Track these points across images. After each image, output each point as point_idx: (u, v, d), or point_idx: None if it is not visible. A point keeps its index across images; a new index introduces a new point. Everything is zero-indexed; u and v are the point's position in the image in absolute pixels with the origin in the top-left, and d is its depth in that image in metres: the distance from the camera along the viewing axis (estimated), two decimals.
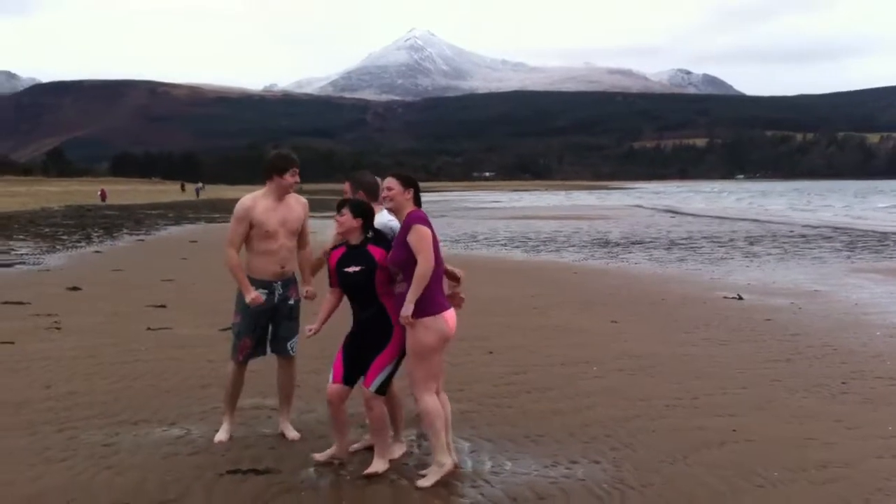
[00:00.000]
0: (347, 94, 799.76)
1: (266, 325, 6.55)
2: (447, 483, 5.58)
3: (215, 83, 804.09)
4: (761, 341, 10.89)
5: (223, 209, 61.30)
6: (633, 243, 29.84)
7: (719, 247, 28.06)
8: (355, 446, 6.26)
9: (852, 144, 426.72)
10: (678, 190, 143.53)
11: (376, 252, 5.78)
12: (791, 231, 36.99)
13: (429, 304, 5.59)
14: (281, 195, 6.54)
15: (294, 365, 6.70)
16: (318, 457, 5.97)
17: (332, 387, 5.87)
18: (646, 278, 18.68)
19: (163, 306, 13.44)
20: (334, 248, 5.99)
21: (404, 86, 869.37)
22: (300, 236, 6.63)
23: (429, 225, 5.66)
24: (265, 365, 7.26)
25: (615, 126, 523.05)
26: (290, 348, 6.61)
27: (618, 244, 29.45)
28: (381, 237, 5.92)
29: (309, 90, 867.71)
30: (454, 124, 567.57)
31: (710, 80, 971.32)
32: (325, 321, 6.08)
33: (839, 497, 5.40)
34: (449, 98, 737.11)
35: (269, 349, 6.65)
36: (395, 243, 5.69)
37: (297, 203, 6.58)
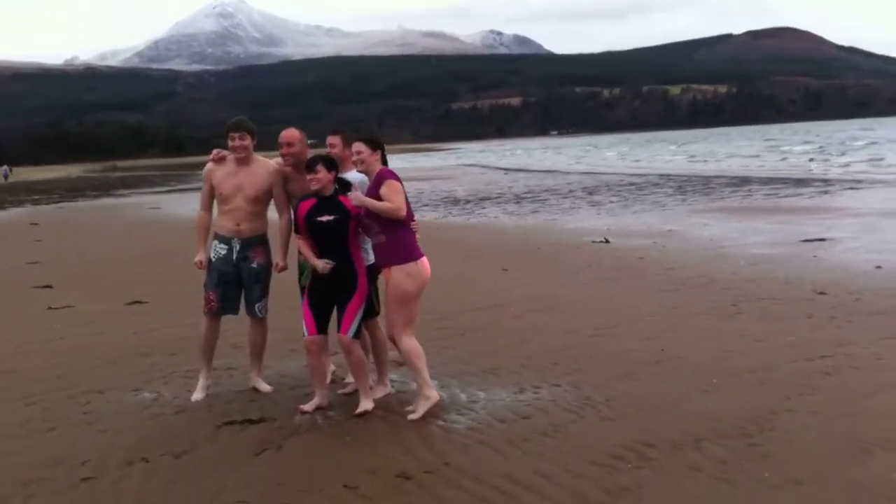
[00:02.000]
0: (156, 66, 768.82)
1: (234, 284, 6.77)
2: (435, 414, 6.07)
3: (9, 59, 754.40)
4: (644, 276, 11.87)
5: (39, 191, 58.52)
6: (481, 199, 30.85)
7: (563, 198, 29.44)
8: (343, 391, 6.64)
9: (655, 97, 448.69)
10: (502, 148, 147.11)
11: (347, 202, 6.12)
12: (621, 180, 39.07)
13: (407, 252, 6.02)
14: (237, 160, 6.75)
15: (264, 325, 6.96)
16: (305, 407, 6.30)
17: (309, 338, 6.21)
18: (511, 230, 19.58)
19: (49, 286, 13.12)
20: (303, 198, 6.28)
21: (215, 54, 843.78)
22: (276, 203, 6.83)
23: (399, 180, 6.08)
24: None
25: (432, 88, 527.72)
26: (257, 310, 6.87)
27: (468, 201, 30.37)
28: (347, 186, 6.26)
29: (113, 62, 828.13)
30: (270, 92, 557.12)
31: (521, 39, 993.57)
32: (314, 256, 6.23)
33: (773, 395, 6.25)
34: (263, 66, 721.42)
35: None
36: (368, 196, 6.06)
37: (261, 168, 6.77)
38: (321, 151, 6.61)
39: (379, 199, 5.98)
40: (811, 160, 49.00)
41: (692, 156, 67.76)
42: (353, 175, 6.36)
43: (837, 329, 8.20)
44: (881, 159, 45.25)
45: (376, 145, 6.17)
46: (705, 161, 57.34)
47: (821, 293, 9.94)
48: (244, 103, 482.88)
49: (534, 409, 6.14)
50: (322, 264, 6.11)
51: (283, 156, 6.73)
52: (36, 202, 44.50)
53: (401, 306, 6.06)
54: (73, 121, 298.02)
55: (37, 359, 8.33)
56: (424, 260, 6.13)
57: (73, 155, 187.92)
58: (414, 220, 6.14)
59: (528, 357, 7.60)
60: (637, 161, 64.41)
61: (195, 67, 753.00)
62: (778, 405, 6.00)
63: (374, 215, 5.98)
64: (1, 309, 11.38)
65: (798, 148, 68.41)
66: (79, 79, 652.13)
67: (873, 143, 69.31)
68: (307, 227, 6.17)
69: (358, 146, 6.11)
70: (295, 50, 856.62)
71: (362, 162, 6.10)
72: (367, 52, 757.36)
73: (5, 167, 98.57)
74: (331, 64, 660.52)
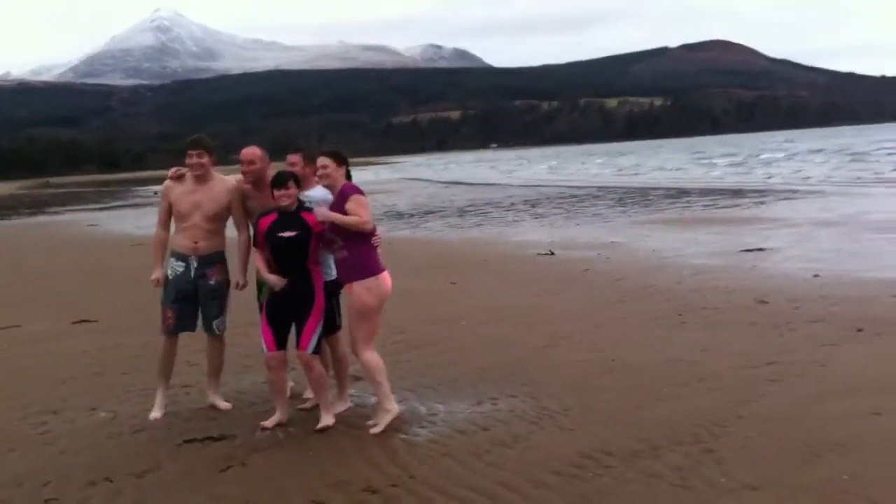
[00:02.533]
0: (90, 80, 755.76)
1: (191, 301, 6.77)
2: (397, 427, 6.15)
3: None
4: (591, 288, 12.09)
5: None
6: (425, 213, 30.95)
7: (506, 211, 29.69)
8: (301, 406, 6.68)
9: (593, 110, 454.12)
10: (439, 162, 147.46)
11: (310, 218, 6.18)
12: (561, 193, 39.49)
13: (368, 267, 6.10)
14: (195, 178, 6.77)
15: (222, 342, 6.96)
16: (266, 424, 6.33)
17: (269, 354, 6.24)
18: (457, 243, 19.72)
19: None
20: (263, 214, 6.32)
21: (152, 69, 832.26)
22: (235, 221, 6.85)
23: (364, 195, 6.16)
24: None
25: (372, 102, 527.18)
26: (215, 327, 6.87)
27: (412, 215, 30.45)
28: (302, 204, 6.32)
29: (47, 77, 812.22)
30: (207, 107, 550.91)
31: (461, 53, 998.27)
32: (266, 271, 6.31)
33: (724, 402, 6.44)
34: (200, 80, 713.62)
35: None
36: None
37: (220, 186, 6.79)
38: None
39: (344, 213, 6.04)
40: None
41: (620, 169, 68.71)
42: (315, 192, 6.42)
43: (780, 337, 8.47)
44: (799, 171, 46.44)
45: (342, 160, 6.24)
46: (635, 174, 58.19)
47: (762, 302, 10.23)
48: (180, 118, 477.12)
49: (493, 421, 6.25)
50: (275, 279, 6.16)
51: (243, 173, 6.76)
52: None
53: (362, 321, 6.13)
54: (5, 137, 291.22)
55: None
56: (385, 274, 6.22)
57: (4, 172, 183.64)
58: (376, 235, 6.21)
59: (484, 369, 7.71)
60: (568, 175, 65.10)
61: (131, 82, 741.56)
62: (729, 412, 6.19)
63: (337, 230, 6.04)
64: None
65: (722, 161, 69.64)
66: (11, 94, 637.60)
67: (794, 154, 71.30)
68: (267, 243, 6.20)
69: (323, 160, 6.17)
70: (234, 64, 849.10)
71: (328, 176, 6.15)
72: (306, 66, 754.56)
73: None
74: (270, 78, 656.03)
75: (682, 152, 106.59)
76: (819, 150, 75.03)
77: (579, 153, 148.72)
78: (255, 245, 6.36)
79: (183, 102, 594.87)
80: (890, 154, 56.18)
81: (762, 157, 70.98)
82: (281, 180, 6.18)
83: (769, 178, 42.05)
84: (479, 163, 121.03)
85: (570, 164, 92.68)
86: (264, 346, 6.24)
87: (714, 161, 69.77)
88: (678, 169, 59.80)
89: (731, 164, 61.25)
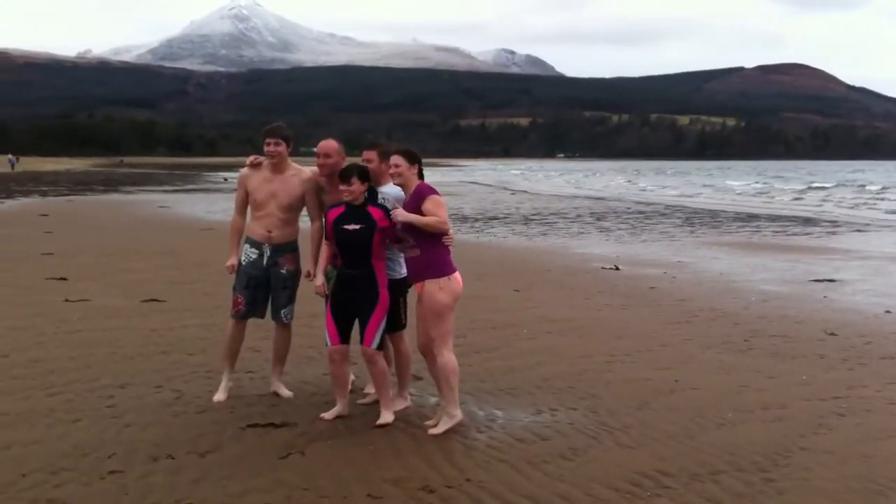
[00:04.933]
0: (168, 64, 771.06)
1: (263, 288, 6.88)
2: (457, 430, 6.16)
3: (23, 48, 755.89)
4: (656, 306, 11.97)
5: (46, 182, 58.71)
6: (490, 219, 30.97)
7: (571, 222, 29.58)
8: (362, 401, 6.74)
9: (664, 126, 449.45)
10: (506, 168, 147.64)
11: (375, 212, 6.22)
12: (628, 208, 39.19)
13: (441, 267, 6.13)
14: (272, 167, 6.87)
15: (289, 331, 7.05)
16: (326, 416, 6.39)
17: (332, 348, 6.31)
18: (521, 251, 19.69)
19: (64, 279, 13.22)
20: (333, 206, 6.39)
21: (228, 56, 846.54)
22: (309, 211, 6.94)
23: (439, 194, 6.19)
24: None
25: (441, 103, 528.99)
26: (283, 315, 6.96)
27: (476, 219, 30.49)
28: (375, 196, 6.37)
29: (126, 58, 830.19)
30: (280, 97, 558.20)
31: (533, 60, 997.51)
32: (324, 269, 6.45)
33: (788, 432, 6.34)
34: (275, 70, 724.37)
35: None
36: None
37: (295, 177, 6.88)
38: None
39: (420, 212, 6.07)
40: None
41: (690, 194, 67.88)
42: (389, 189, 6.47)
43: (849, 371, 8.30)
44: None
45: (414, 159, 6.27)
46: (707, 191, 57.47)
47: (832, 334, 10.03)
48: (253, 107, 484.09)
49: (552, 432, 6.23)
50: (320, 285, 6.37)
51: (319, 166, 6.84)
52: (44, 193, 44.64)
53: (437, 320, 6.14)
54: (83, 114, 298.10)
55: (57, 350, 8.43)
56: (457, 275, 6.24)
57: (80, 148, 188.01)
58: (449, 235, 6.22)
59: (544, 379, 7.69)
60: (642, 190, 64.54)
61: (207, 68, 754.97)
62: (792, 442, 6.09)
63: (412, 229, 6.07)
64: (18, 298, 11.48)
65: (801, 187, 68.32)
66: (90, 72, 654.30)
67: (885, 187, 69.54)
68: (333, 234, 6.28)
69: (396, 159, 6.21)
70: (307, 56, 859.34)
71: (399, 175, 6.19)
72: (378, 63, 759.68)
73: (11, 156, 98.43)
74: (342, 73, 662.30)
75: (752, 174, 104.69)
76: None
77: (652, 169, 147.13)
78: (326, 238, 6.44)
79: (256, 91, 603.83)
80: None
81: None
82: (345, 175, 6.22)
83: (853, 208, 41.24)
84: (542, 171, 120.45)
85: (644, 180, 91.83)
86: (328, 340, 6.30)
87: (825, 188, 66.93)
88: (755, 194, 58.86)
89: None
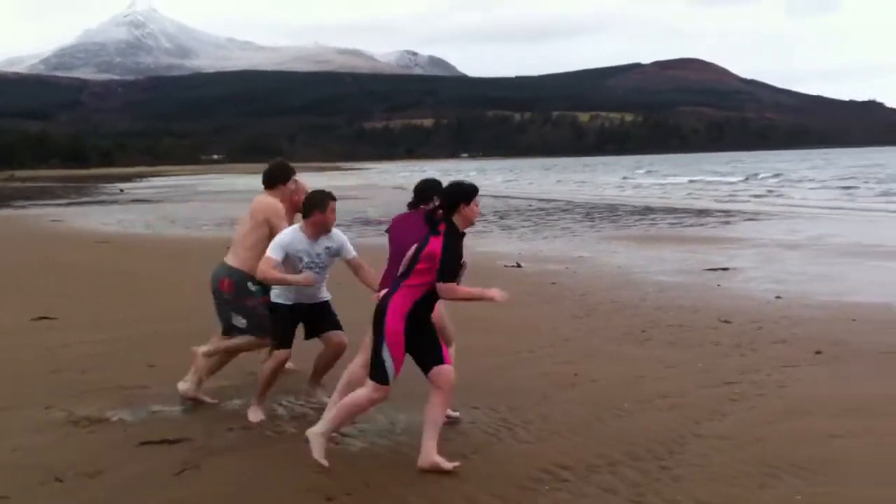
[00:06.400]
0: (61, 73, 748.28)
1: None
2: (355, 436, 6.11)
3: None
4: (558, 301, 12.13)
5: None
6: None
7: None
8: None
9: (565, 123, 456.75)
10: (407, 169, 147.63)
11: None
12: (530, 205, 39.63)
13: None
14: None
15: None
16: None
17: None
18: None
19: None
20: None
21: (124, 64, 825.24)
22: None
23: None
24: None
25: (346, 106, 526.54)
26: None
27: (381, 222, 30.37)
28: None
29: (18, 69, 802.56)
30: (180, 104, 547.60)
31: (436, 61, 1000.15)
32: None
33: (684, 419, 6.48)
34: (173, 77, 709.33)
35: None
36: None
37: None
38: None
39: None
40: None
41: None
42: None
43: (742, 357, 8.54)
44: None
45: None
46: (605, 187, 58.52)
47: (725, 321, 10.30)
48: (151, 115, 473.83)
49: (454, 432, 6.23)
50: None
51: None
52: None
53: None
54: None
55: None
56: None
57: None
58: None
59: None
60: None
61: (103, 76, 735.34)
62: (688, 430, 6.22)
63: None
64: None
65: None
66: None
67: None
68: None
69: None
70: (207, 62, 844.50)
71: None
72: (281, 68, 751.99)
73: None
74: (243, 78, 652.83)
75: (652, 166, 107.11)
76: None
77: (540, 167, 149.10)
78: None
79: (155, 99, 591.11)
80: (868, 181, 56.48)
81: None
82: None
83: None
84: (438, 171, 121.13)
85: (527, 176, 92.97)
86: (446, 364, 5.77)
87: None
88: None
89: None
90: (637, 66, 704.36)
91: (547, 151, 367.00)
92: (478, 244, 21.34)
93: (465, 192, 5.61)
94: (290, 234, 6.37)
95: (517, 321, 10.56)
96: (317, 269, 6.46)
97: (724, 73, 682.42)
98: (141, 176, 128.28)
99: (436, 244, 5.45)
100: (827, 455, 5.68)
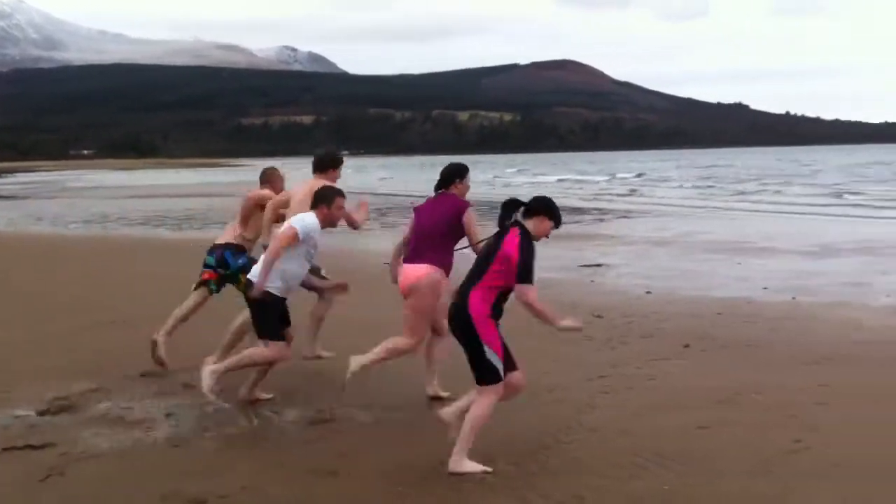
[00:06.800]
0: None
1: None
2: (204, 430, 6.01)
3: None
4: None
5: None
6: None
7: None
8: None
9: (445, 122, 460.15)
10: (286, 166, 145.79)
11: None
12: (413, 203, 39.65)
13: None
14: None
15: None
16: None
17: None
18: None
19: None
20: None
21: None
22: None
23: None
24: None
25: (223, 101, 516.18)
26: None
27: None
28: None
29: None
30: (48, 98, 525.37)
31: (315, 57, 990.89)
32: None
33: (559, 414, 6.64)
34: (41, 70, 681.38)
35: None
36: None
37: None
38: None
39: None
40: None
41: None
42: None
43: (612, 350, 8.79)
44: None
45: None
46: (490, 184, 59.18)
47: (598, 316, 10.57)
48: (17, 109, 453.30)
49: (328, 431, 6.23)
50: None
51: None
52: None
53: None
54: None
55: None
56: None
57: None
58: None
59: (323, 377, 7.65)
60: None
61: None
62: (562, 423, 6.36)
63: None
64: None
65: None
66: None
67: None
68: None
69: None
70: (77, 55, 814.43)
71: None
72: (156, 61, 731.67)
73: None
74: (117, 71, 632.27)
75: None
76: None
77: (415, 164, 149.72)
78: None
79: (21, 93, 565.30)
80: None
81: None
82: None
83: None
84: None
85: (402, 174, 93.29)
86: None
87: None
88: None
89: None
90: (515, 66, 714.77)
91: (428, 150, 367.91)
92: (363, 242, 21.30)
93: (549, 210, 5.91)
94: (313, 220, 6.53)
95: (387, 321, 10.54)
96: (310, 259, 6.74)
97: (599, 74, 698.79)
98: (5, 172, 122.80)
99: (510, 246, 5.56)
100: (695, 446, 5.88)
